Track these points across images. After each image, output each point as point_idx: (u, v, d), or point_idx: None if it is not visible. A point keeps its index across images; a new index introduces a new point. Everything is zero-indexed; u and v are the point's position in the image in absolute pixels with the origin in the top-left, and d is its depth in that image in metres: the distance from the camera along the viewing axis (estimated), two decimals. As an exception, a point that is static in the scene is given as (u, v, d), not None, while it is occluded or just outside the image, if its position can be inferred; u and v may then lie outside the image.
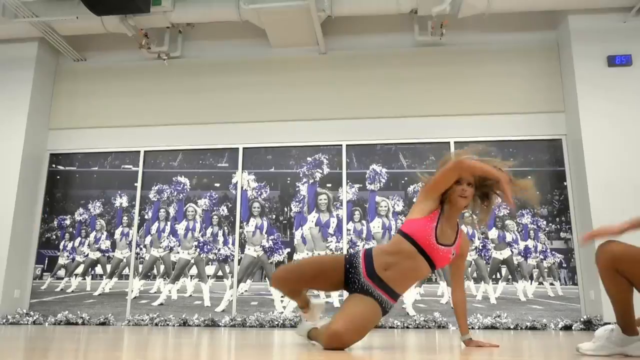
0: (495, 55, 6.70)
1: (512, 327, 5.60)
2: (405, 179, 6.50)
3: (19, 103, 6.91)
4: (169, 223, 6.72)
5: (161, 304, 6.43)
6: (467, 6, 6.13)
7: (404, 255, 2.70)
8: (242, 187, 6.68)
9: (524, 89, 6.55)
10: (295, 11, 6.24)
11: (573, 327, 5.53)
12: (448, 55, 6.76)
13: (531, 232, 6.19)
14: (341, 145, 6.66)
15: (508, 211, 6.26)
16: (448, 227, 2.77)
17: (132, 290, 6.54)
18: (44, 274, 6.78)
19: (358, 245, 6.32)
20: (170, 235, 6.66)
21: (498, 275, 6.13)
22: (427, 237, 2.67)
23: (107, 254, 6.74)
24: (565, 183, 6.26)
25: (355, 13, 6.45)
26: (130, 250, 6.68)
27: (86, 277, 6.71)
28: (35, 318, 6.28)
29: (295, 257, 6.39)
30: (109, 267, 6.69)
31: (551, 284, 6.02)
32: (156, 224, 6.74)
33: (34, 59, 7.04)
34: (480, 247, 6.21)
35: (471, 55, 6.72)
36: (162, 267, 6.60)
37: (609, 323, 2.34)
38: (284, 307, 6.20)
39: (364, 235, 6.36)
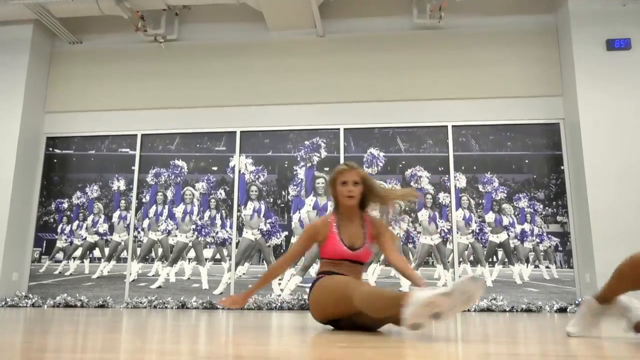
0: (493, 38, 6.67)
1: (507, 309, 5.65)
2: (403, 162, 6.50)
3: (15, 86, 6.87)
4: (166, 206, 6.73)
5: (159, 287, 6.47)
6: (466, -12, 6.08)
7: (337, 264, 2.85)
8: (239, 171, 6.68)
9: (522, 72, 6.53)
10: (293, -7, 6.18)
11: (568, 310, 5.59)
12: (446, 38, 6.73)
13: (528, 215, 6.21)
14: (339, 129, 6.65)
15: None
16: (352, 227, 2.91)
17: (130, 273, 6.57)
18: (42, 257, 6.80)
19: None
20: (168, 219, 6.68)
21: (494, 259, 6.17)
22: (340, 252, 2.83)
23: (105, 237, 6.75)
24: (562, 167, 6.27)
25: (354, -5, 6.40)
26: (128, 234, 6.70)
27: (84, 260, 6.73)
28: (34, 300, 6.31)
29: (293, 240, 6.41)
30: (107, 250, 6.71)
31: (547, 267, 6.07)
32: (154, 207, 6.75)
33: (29, 41, 6.98)
34: (477, 231, 6.24)
35: (470, 39, 6.69)
36: (160, 251, 6.62)
37: None
38: (282, 290, 6.23)
39: (361, 219, 6.36)
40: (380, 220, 2.97)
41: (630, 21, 6.14)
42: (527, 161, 6.36)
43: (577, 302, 5.65)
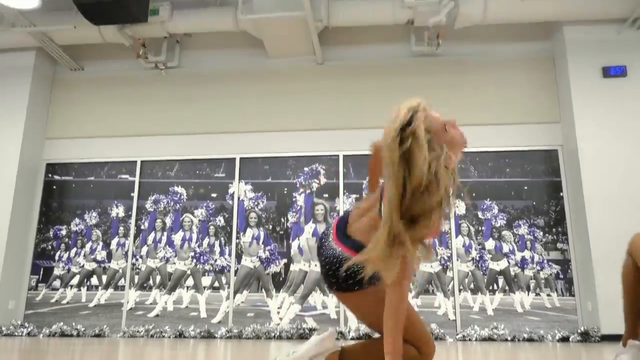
0: (491, 65, 6.72)
1: (509, 338, 5.57)
2: (402, 189, 6.47)
3: (16, 112, 6.91)
4: (165, 233, 6.69)
5: (157, 315, 6.39)
6: (463, 17, 6.16)
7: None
8: (238, 198, 6.66)
9: (520, 99, 6.57)
10: (292, 21, 6.27)
11: (570, 339, 5.51)
12: (444, 65, 6.78)
13: (528, 242, 6.18)
14: (338, 155, 6.66)
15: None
16: None
17: (127, 302, 6.50)
18: (39, 284, 6.74)
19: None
20: (167, 246, 6.64)
21: (495, 286, 6.11)
22: None
23: (102, 265, 6.70)
24: (561, 193, 6.26)
25: (352, 23, 6.48)
26: (126, 261, 6.65)
27: (81, 288, 6.66)
28: (29, 329, 6.23)
29: (292, 267, 6.37)
30: (104, 278, 6.65)
31: (548, 295, 6.01)
32: (152, 234, 6.71)
33: (31, 68, 7.04)
34: (477, 258, 6.19)
35: (467, 66, 6.75)
36: (158, 278, 6.56)
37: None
38: (281, 319, 6.16)
39: (360, 246, 6.32)
40: None
41: (625, 48, 6.21)
42: (526, 188, 6.35)
43: (579, 330, 5.57)
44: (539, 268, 6.09)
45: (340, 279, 1.96)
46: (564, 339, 5.53)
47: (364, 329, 5.73)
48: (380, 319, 1.86)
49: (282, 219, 6.56)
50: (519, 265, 6.13)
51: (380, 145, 1.83)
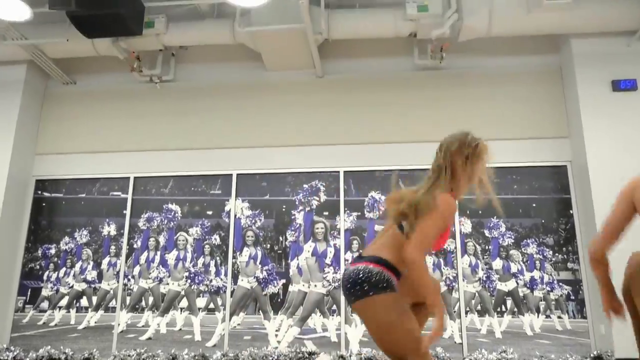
0: (496, 79, 6.53)
1: (519, 363, 5.31)
2: (405, 206, 6.25)
3: (5, 127, 6.68)
4: (158, 253, 6.43)
5: (149, 339, 6.12)
6: (468, 29, 5.99)
7: None
8: (235, 215, 6.42)
9: (526, 113, 6.36)
10: (292, 34, 6.09)
11: (584, 364, 5.25)
12: (448, 79, 6.59)
13: (537, 262, 5.93)
14: (339, 171, 6.43)
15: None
16: None
17: (118, 324, 6.22)
18: (26, 306, 6.46)
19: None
20: (160, 266, 6.37)
21: (503, 308, 5.85)
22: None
23: (93, 285, 6.43)
24: (571, 211, 6.03)
25: (353, 36, 6.31)
26: (118, 281, 6.38)
27: (70, 310, 6.39)
28: (15, 353, 5.94)
29: (291, 288, 6.11)
30: (94, 299, 6.38)
31: (559, 317, 5.75)
32: (145, 253, 6.45)
33: (22, 82, 6.83)
34: (484, 278, 5.94)
35: (472, 80, 6.56)
36: (150, 299, 6.29)
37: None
38: (279, 342, 5.89)
39: (362, 266, 6.08)
40: None
41: (635, 61, 6.02)
42: (534, 205, 6.12)
43: (592, 355, 5.31)
44: (549, 289, 5.84)
45: (357, 285, 2.19)
46: (577, 365, 5.26)
47: (365, 353, 5.47)
48: (397, 333, 2.17)
49: (281, 238, 6.31)
50: (528, 285, 5.88)
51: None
